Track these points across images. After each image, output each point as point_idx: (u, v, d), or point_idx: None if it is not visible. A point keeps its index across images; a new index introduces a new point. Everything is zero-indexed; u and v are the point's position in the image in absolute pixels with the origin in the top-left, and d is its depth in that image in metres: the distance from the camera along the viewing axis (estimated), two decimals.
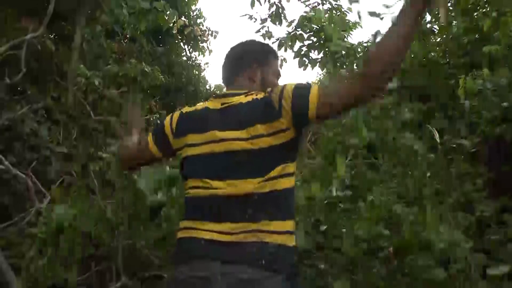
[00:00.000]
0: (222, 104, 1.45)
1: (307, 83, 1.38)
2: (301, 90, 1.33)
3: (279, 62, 1.69)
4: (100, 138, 4.74)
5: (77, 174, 4.28)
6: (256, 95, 1.41)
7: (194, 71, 9.10)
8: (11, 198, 3.75)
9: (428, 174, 3.02)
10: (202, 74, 9.61)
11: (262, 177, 1.31)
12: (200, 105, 1.56)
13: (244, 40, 1.70)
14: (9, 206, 3.73)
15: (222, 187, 1.34)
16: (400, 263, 1.96)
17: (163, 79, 6.59)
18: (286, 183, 1.35)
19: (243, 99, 1.41)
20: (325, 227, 2.23)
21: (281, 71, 1.64)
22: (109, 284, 3.76)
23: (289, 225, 1.33)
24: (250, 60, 1.54)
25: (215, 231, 1.30)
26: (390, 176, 3.17)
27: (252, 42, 1.65)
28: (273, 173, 1.32)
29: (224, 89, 1.62)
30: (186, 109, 1.56)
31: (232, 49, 1.61)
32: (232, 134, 1.36)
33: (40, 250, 3.22)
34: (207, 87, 9.65)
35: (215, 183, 1.35)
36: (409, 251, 1.99)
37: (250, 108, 1.38)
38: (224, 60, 1.61)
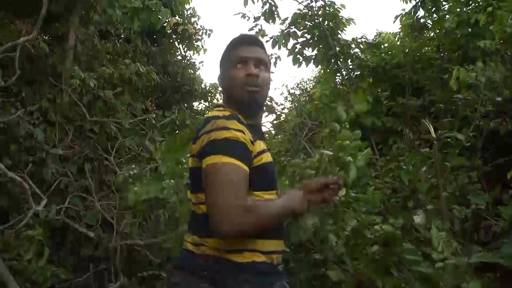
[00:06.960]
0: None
1: (226, 146, 1.27)
2: (208, 151, 1.28)
3: (244, 48, 1.45)
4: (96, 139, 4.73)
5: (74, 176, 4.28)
6: (220, 111, 1.39)
7: (189, 70, 9.06)
8: (8, 200, 3.74)
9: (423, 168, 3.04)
10: (197, 73, 9.56)
11: (195, 194, 1.38)
12: None
13: None
14: (5, 209, 3.73)
15: (191, 199, 1.42)
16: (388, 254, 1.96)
17: (158, 79, 6.58)
18: None
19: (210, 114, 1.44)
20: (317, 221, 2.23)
21: (244, 56, 1.42)
22: (107, 285, 3.77)
23: (230, 242, 1.29)
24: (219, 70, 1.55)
25: (189, 242, 1.39)
26: (386, 171, 3.19)
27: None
28: (200, 194, 1.35)
29: None
30: None
31: None
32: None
33: (38, 253, 3.22)
34: (203, 86, 9.62)
35: (189, 194, 1.46)
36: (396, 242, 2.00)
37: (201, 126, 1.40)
38: None
